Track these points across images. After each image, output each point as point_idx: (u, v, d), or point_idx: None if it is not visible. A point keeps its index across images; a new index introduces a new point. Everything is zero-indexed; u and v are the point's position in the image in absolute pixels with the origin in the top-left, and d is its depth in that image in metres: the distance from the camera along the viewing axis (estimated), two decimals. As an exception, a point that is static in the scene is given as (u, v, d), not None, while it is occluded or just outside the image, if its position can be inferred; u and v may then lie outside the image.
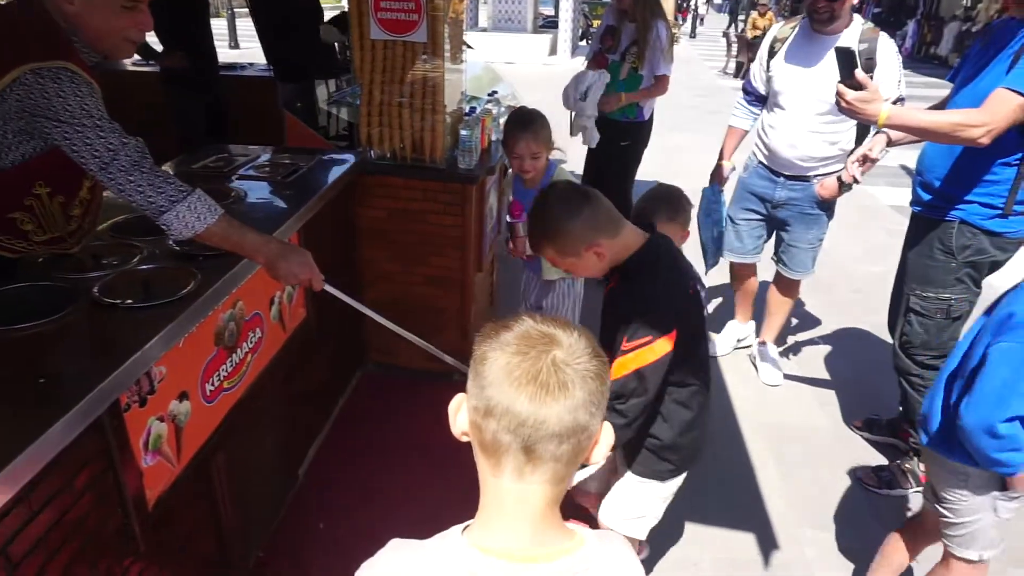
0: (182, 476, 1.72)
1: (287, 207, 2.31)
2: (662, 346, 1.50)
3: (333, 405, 2.96)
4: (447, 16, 2.81)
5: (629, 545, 0.97)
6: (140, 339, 1.47)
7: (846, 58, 2.17)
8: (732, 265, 3.56)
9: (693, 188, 6.47)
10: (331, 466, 2.70)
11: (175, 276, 1.75)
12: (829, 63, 2.70)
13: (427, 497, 2.57)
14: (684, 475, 1.83)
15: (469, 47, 3.42)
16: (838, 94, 2.15)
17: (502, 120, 3.74)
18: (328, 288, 1.87)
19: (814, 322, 4.03)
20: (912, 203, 2.59)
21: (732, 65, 14.34)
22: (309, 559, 2.29)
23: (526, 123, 2.51)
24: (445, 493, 2.63)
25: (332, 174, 2.70)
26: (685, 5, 26.93)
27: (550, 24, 17.79)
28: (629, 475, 1.83)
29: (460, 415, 0.89)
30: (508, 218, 2.59)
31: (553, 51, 15.84)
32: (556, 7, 18.64)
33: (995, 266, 2.41)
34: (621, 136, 4.05)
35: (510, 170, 2.80)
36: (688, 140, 8.26)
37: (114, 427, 1.43)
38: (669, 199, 2.18)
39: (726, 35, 15.52)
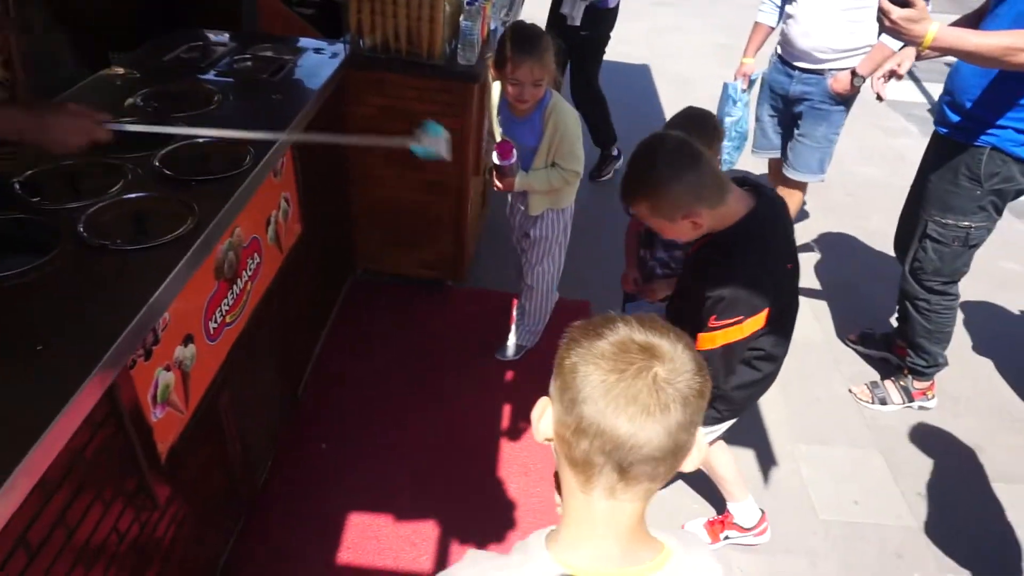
0: (190, 422, 1.62)
1: (278, 117, 2.07)
2: (752, 325, 1.45)
3: (326, 319, 2.85)
4: None
5: (710, 550, 0.93)
6: (144, 289, 1.31)
7: None
8: (770, 163, 3.51)
9: (685, 74, 6.21)
10: (327, 384, 2.63)
11: (168, 207, 1.55)
12: None
13: (423, 408, 2.56)
14: (726, 425, 1.82)
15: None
16: (881, 10, 1.95)
17: (502, 9, 3.41)
18: (115, 127, 1.56)
19: (805, 227, 3.99)
20: (937, 123, 2.46)
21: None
22: (315, 480, 2.27)
23: (531, 44, 2.15)
24: (440, 397, 2.63)
25: (322, 71, 2.42)
26: None
27: None
28: None
29: (543, 422, 0.82)
30: (496, 159, 2.28)
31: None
32: None
33: (1019, 194, 2.35)
34: (580, 26, 3.74)
35: (493, 92, 2.48)
36: (675, 18, 7.81)
37: (123, 387, 1.31)
38: (702, 126, 1.98)
39: None
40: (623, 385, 0.72)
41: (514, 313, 2.88)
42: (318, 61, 2.53)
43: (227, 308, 1.77)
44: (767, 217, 1.51)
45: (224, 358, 1.77)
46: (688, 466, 0.81)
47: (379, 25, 2.63)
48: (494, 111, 2.45)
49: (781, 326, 1.62)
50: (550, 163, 2.35)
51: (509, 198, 2.62)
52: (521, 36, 2.18)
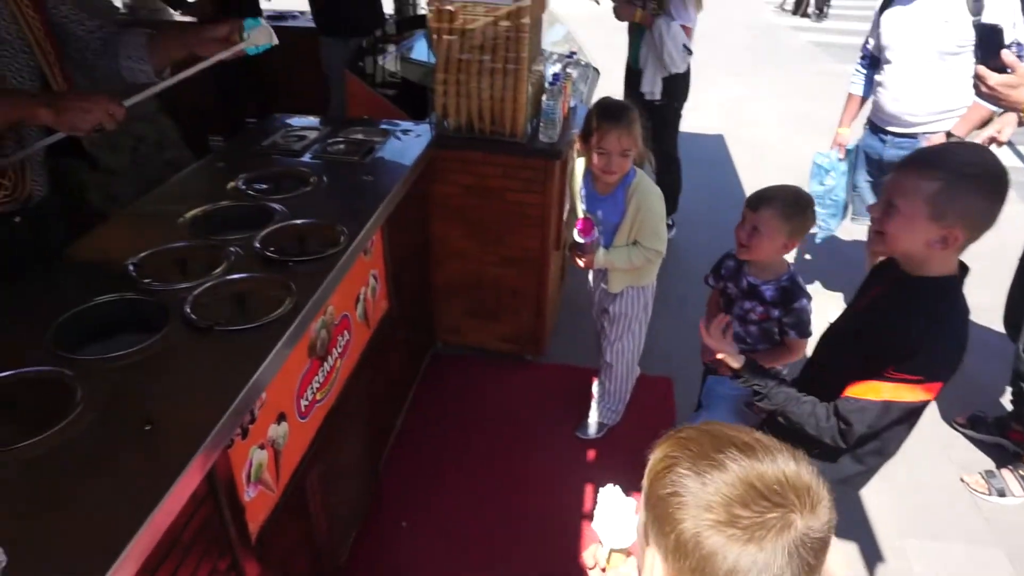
0: (280, 501, 1.62)
1: (369, 198, 2.13)
2: (925, 392, 1.36)
3: (407, 392, 2.85)
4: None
5: None
6: (246, 369, 1.34)
7: (990, 36, 1.91)
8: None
9: (760, 141, 6.16)
10: (407, 458, 2.61)
11: (268, 288, 1.60)
12: (933, 2, 2.63)
13: (502, 486, 2.49)
14: None
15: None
16: (978, 76, 1.87)
17: (581, 85, 3.49)
18: (129, 102, 1.60)
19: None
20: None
21: (791, 1, 13.50)
22: (395, 559, 2.22)
23: (618, 115, 2.18)
24: (519, 476, 2.55)
25: (409, 152, 2.51)
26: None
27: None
28: None
29: None
30: (577, 236, 2.25)
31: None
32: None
33: None
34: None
35: (576, 168, 2.50)
36: (748, 88, 7.82)
37: (221, 466, 1.32)
38: (793, 200, 1.92)
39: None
40: (765, 559, 0.63)
41: (594, 390, 2.82)
42: (405, 142, 2.62)
43: (318, 385, 1.79)
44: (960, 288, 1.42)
45: (314, 435, 1.79)
46: None
47: (463, 106, 2.72)
48: (577, 188, 2.46)
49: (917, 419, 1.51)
50: (632, 241, 2.32)
51: (590, 274, 2.60)
52: (608, 108, 2.21)
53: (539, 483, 2.55)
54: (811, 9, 12.68)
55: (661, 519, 0.68)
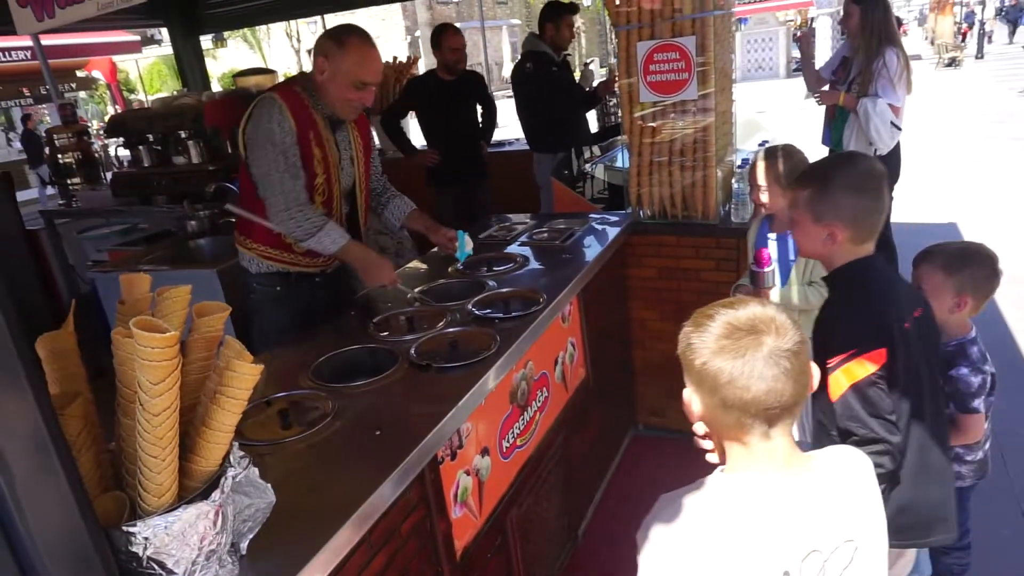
0: (483, 529, 1.80)
1: (567, 271, 2.39)
2: (871, 362, 1.35)
3: (607, 467, 2.94)
4: (715, 71, 2.76)
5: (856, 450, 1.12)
6: (453, 397, 1.60)
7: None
8: None
9: (996, 230, 5.56)
10: (607, 528, 2.67)
11: (477, 338, 1.88)
12: None
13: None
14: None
15: (733, 100, 3.34)
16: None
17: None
18: (401, 285, 2.22)
19: None
20: None
21: (1038, 86, 12.24)
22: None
23: (784, 155, 2.25)
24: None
25: (605, 236, 2.76)
26: (967, 23, 23.93)
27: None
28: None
29: (694, 406, 1.05)
30: (753, 267, 2.27)
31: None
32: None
33: None
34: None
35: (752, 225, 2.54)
36: (990, 174, 7.14)
37: (432, 479, 1.55)
38: (982, 262, 1.82)
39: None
40: (747, 368, 0.92)
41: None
42: (603, 229, 2.88)
43: (518, 431, 1.99)
44: (879, 268, 1.50)
45: (514, 476, 1.97)
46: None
47: (656, 195, 2.94)
48: (751, 237, 2.50)
49: (909, 391, 1.41)
50: (807, 281, 2.30)
51: None
52: (773, 149, 2.31)
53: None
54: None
55: (687, 364, 1.00)
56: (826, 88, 3.90)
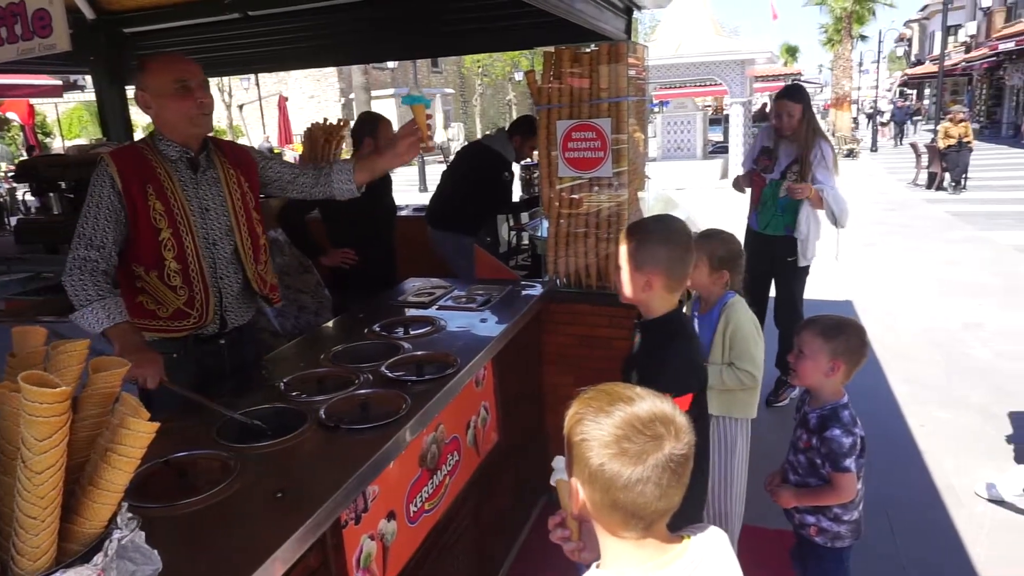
0: (386, 598, 1.77)
1: (482, 336, 2.44)
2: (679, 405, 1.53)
3: (519, 533, 2.93)
4: (630, 151, 2.95)
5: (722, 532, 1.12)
6: (360, 459, 1.59)
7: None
8: None
9: (892, 309, 5.98)
10: (517, 598, 2.64)
11: (389, 400, 1.89)
12: None
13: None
14: None
15: (647, 177, 3.55)
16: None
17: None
18: (167, 385, 1.99)
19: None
20: None
21: (924, 176, 13.43)
22: None
23: (710, 235, 2.43)
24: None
25: (523, 302, 2.84)
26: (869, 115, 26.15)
27: (720, 150, 17.97)
28: None
29: (576, 498, 1.03)
30: None
31: (724, 175, 15.89)
32: (725, 134, 18.85)
33: None
34: (787, 251, 3.93)
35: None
36: (883, 256, 7.72)
37: (334, 543, 1.53)
38: (854, 333, 1.97)
39: (914, 145, 14.69)
40: (645, 474, 0.92)
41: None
42: (521, 296, 2.96)
43: (427, 496, 1.98)
44: (683, 319, 1.78)
45: (420, 541, 1.95)
46: None
47: (573, 265, 3.06)
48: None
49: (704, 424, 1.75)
50: (726, 362, 2.41)
51: None
52: (706, 232, 2.53)
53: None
54: (947, 183, 12.52)
55: (577, 458, 0.97)
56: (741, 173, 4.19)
